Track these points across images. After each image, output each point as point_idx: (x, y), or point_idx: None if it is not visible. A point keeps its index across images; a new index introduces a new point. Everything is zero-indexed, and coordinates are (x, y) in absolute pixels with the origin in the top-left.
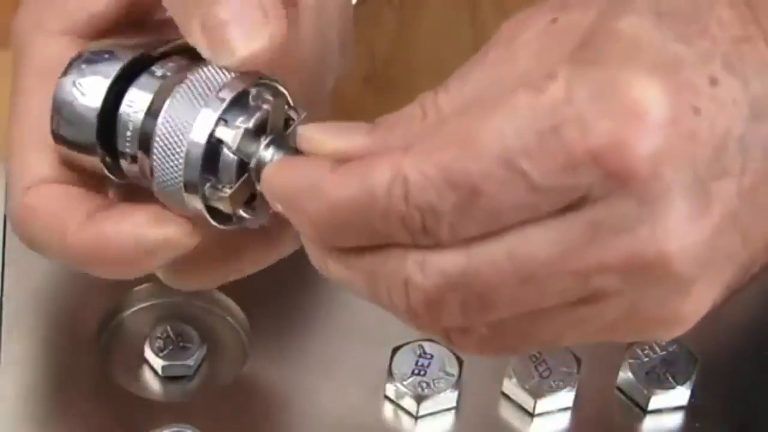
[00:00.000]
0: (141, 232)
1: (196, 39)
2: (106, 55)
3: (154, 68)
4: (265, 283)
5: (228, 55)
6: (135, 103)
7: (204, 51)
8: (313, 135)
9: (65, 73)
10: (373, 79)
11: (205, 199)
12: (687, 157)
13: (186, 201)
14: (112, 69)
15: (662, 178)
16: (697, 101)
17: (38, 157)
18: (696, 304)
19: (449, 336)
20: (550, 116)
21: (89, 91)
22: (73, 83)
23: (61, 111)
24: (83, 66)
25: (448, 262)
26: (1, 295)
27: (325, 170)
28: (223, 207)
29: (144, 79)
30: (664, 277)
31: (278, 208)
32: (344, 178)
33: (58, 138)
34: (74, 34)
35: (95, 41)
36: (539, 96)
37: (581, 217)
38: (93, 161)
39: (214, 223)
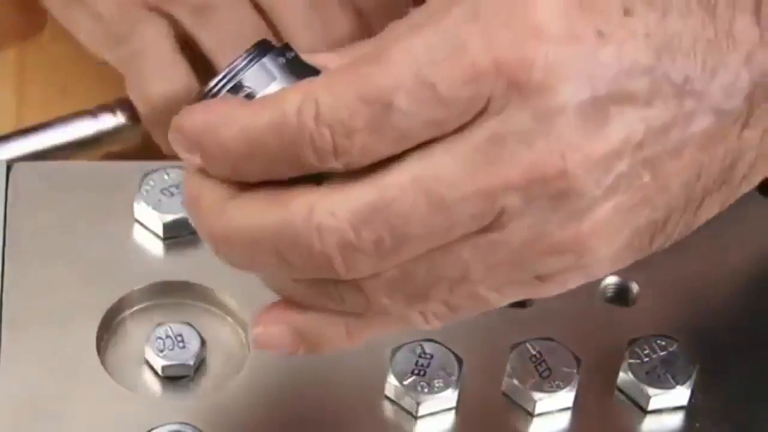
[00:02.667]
0: None
1: None
2: None
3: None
4: None
5: None
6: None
7: None
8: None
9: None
10: None
11: None
12: (585, 75)
13: None
14: None
15: (559, 92)
16: (604, 26)
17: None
18: (596, 227)
19: (362, 283)
20: (456, 31)
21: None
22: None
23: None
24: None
25: (357, 198)
26: (1, 295)
27: (238, 104)
28: None
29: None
30: (562, 191)
31: (195, 158)
32: (257, 106)
33: None
34: None
35: None
36: (446, 16)
37: (482, 131)
38: None
39: None
